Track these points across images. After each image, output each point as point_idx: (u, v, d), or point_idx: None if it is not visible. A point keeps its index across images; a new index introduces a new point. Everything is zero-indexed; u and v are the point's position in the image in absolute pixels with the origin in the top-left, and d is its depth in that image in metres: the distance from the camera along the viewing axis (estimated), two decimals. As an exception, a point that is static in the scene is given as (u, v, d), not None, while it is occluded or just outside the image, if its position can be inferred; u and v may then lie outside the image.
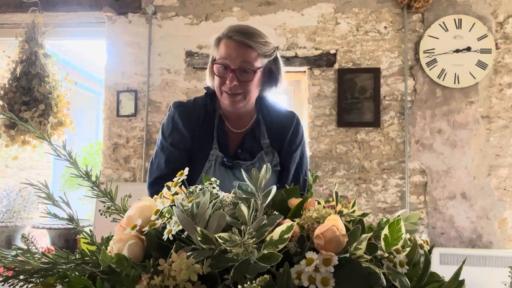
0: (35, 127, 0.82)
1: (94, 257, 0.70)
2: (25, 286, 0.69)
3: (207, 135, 1.43)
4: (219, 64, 1.34)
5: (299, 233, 0.68)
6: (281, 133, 1.47)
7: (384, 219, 0.75)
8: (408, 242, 0.73)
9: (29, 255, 0.69)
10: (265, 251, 0.61)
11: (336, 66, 3.14)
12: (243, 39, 1.31)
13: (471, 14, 3.05)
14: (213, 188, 0.79)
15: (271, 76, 1.44)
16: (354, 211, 0.76)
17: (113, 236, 0.76)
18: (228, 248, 0.61)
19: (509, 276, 0.99)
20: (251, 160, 1.42)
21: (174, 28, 3.30)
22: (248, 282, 0.55)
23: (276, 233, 0.64)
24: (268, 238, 0.64)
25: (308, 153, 1.55)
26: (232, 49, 1.31)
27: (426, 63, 3.05)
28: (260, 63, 1.35)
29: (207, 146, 1.42)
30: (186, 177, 0.81)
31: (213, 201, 0.72)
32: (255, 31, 1.36)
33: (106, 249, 0.72)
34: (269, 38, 1.38)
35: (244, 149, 1.43)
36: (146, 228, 0.72)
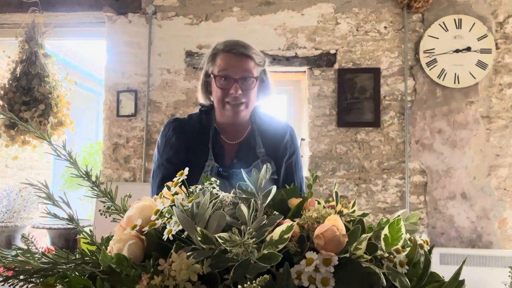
0: (35, 127, 0.82)
1: (94, 257, 0.70)
2: (25, 286, 0.69)
3: (202, 147, 1.45)
4: (220, 77, 1.39)
5: (299, 233, 0.68)
6: (275, 144, 1.49)
7: (384, 219, 0.75)
8: (408, 242, 0.73)
9: (29, 255, 0.69)
10: (265, 251, 0.61)
11: (336, 66, 3.14)
12: (242, 50, 1.40)
13: (471, 14, 3.05)
14: (213, 188, 0.79)
15: (262, 85, 1.49)
16: (354, 211, 0.76)
17: (113, 236, 0.76)
18: (228, 248, 0.61)
19: (509, 276, 0.99)
20: (247, 169, 1.43)
21: (174, 28, 3.30)
22: (248, 282, 0.55)
23: (276, 233, 0.64)
24: (268, 238, 0.64)
25: (302, 164, 1.57)
26: (233, 61, 1.39)
27: (426, 63, 3.05)
28: (256, 72, 1.42)
29: (202, 158, 1.44)
30: (186, 177, 0.81)
31: (213, 201, 0.72)
32: (247, 43, 1.44)
33: (106, 249, 0.72)
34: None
35: (239, 159, 1.45)
36: (146, 228, 0.72)
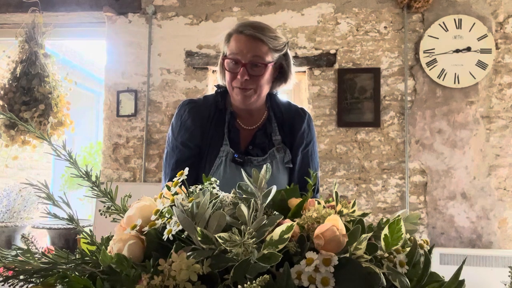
0: (35, 127, 0.82)
1: (94, 257, 0.70)
2: (25, 286, 0.69)
3: (217, 131, 1.41)
4: (230, 60, 1.33)
5: (299, 233, 0.68)
6: (292, 130, 1.45)
7: (384, 219, 0.75)
8: (408, 242, 0.73)
9: (29, 255, 0.69)
10: (265, 251, 0.61)
11: (336, 66, 3.14)
12: (253, 33, 1.31)
13: (471, 14, 3.06)
14: (213, 188, 0.79)
15: (281, 72, 1.44)
16: (354, 211, 0.76)
17: (113, 236, 0.75)
18: (228, 248, 0.61)
19: (509, 276, 0.99)
20: (263, 156, 1.40)
21: (174, 28, 3.30)
22: (248, 282, 0.55)
23: (276, 233, 0.64)
24: (268, 238, 0.64)
25: (317, 153, 1.54)
26: (243, 44, 1.32)
27: (426, 63, 3.05)
28: (271, 57, 1.35)
29: (217, 143, 1.40)
30: (186, 177, 0.81)
31: (213, 201, 0.72)
32: (265, 25, 1.36)
33: (106, 249, 0.72)
34: (279, 33, 1.39)
35: (255, 146, 1.41)
36: (146, 228, 0.72)
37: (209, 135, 1.41)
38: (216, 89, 1.50)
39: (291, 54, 1.50)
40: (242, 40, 1.32)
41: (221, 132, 1.41)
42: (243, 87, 1.33)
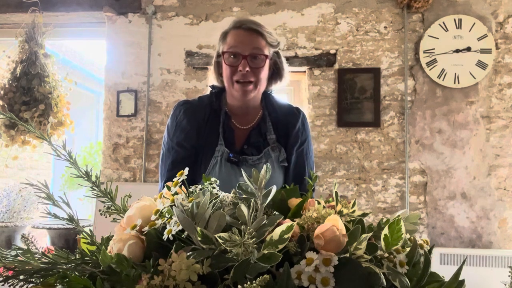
0: (35, 127, 0.82)
1: (94, 257, 0.70)
2: (25, 286, 0.69)
3: (212, 131, 1.43)
4: (229, 53, 1.36)
5: (299, 233, 0.68)
6: (287, 129, 1.46)
7: (384, 219, 0.75)
8: (408, 242, 0.73)
9: (29, 255, 0.69)
10: (265, 251, 0.61)
11: (336, 66, 3.14)
12: (252, 26, 1.36)
13: (471, 14, 3.05)
14: (213, 188, 0.79)
15: (276, 69, 1.46)
16: (354, 211, 0.76)
17: (113, 236, 0.75)
18: (228, 248, 0.61)
19: (509, 276, 0.99)
20: (258, 155, 1.41)
21: (174, 28, 3.30)
22: (248, 282, 0.55)
23: (276, 233, 0.64)
24: (268, 238, 0.64)
25: (313, 152, 1.55)
26: (242, 37, 1.35)
27: (426, 63, 3.05)
28: (267, 51, 1.38)
29: (213, 143, 1.41)
30: (186, 177, 0.81)
31: (213, 201, 0.72)
32: (259, 22, 1.41)
33: (106, 249, 0.72)
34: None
35: (250, 145, 1.42)
36: (146, 228, 0.72)
37: (204, 136, 1.42)
38: (210, 89, 1.51)
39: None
40: (241, 34, 1.36)
41: (216, 132, 1.42)
42: (245, 79, 1.35)
